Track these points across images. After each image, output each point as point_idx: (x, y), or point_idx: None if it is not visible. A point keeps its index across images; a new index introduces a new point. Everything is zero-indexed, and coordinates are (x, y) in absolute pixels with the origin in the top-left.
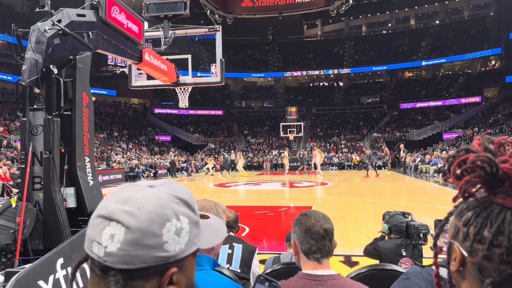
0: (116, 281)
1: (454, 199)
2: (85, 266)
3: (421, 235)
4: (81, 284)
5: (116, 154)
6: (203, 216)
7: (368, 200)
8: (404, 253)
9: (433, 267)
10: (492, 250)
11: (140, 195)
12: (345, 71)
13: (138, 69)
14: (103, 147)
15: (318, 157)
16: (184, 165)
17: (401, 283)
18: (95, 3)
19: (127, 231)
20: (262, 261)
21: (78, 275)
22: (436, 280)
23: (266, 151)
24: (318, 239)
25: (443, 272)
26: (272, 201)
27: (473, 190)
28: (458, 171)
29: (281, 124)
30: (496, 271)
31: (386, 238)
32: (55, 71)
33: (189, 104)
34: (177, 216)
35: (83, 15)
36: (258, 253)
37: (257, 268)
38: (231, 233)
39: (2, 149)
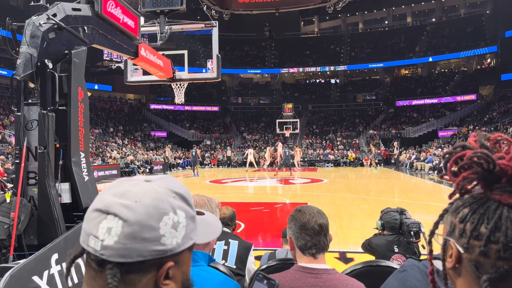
0: (113, 274)
1: (451, 196)
2: (80, 261)
3: (412, 233)
4: (76, 280)
5: (112, 150)
6: (198, 213)
7: (363, 197)
8: (396, 250)
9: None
10: (489, 246)
11: (137, 189)
12: (342, 68)
13: (134, 64)
14: (99, 143)
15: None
16: (180, 161)
17: (398, 276)
18: None
19: (125, 224)
20: (258, 257)
21: (73, 270)
22: (431, 277)
23: (262, 147)
24: (313, 235)
25: (439, 265)
26: (267, 197)
27: (470, 186)
28: (455, 168)
29: (277, 120)
30: (493, 267)
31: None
32: (50, 65)
33: (185, 100)
34: (174, 210)
35: (79, 9)
36: (253, 249)
37: (252, 265)
38: (227, 230)
39: None
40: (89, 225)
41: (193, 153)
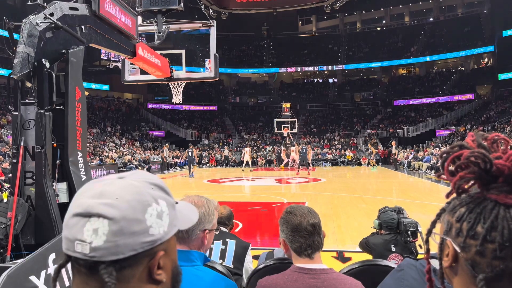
0: (109, 273)
1: (448, 195)
2: None
3: (409, 232)
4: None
5: (109, 150)
6: None
7: (361, 196)
8: (393, 249)
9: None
10: (485, 245)
11: (114, 187)
12: (340, 67)
13: (131, 63)
14: (96, 142)
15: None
16: (178, 161)
17: (395, 275)
18: None
19: (111, 222)
20: (256, 257)
21: (70, 270)
22: (427, 276)
23: (260, 147)
24: (307, 236)
25: (436, 264)
26: (265, 197)
27: (467, 186)
28: (452, 167)
29: (275, 120)
30: (489, 266)
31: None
32: (47, 65)
33: (183, 99)
34: (156, 200)
35: (76, 9)
36: (251, 249)
37: (250, 264)
38: (225, 229)
39: None
40: (71, 232)
41: (189, 153)
